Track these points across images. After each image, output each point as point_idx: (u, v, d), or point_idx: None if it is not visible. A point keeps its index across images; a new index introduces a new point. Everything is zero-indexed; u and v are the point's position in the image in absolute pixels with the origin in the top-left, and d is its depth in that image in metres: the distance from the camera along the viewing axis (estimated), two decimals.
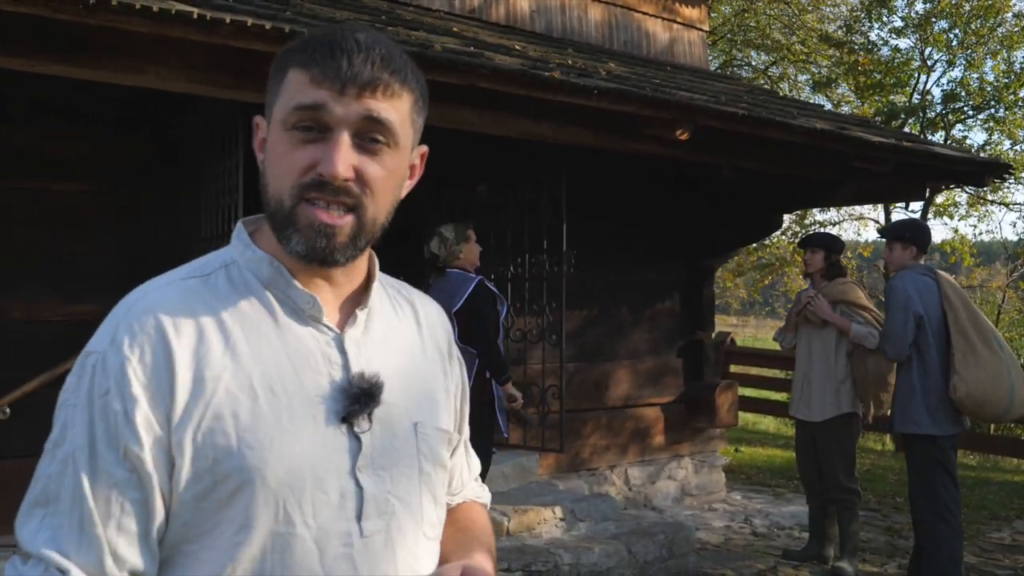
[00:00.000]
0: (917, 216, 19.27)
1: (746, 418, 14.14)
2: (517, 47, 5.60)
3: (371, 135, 1.21)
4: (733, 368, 12.63)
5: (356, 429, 1.23)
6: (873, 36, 19.45)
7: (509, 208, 6.44)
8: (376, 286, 1.35)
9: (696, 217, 7.94)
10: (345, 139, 1.19)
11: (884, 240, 5.71)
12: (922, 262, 5.56)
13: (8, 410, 4.70)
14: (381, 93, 1.21)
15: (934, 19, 17.52)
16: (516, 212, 6.41)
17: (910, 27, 18.05)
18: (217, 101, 4.72)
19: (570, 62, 5.55)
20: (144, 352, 1.16)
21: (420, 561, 1.28)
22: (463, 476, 1.55)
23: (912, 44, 18.55)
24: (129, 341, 1.17)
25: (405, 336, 1.37)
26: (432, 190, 6.76)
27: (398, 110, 1.23)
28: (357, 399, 1.22)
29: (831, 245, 6.16)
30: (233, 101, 4.54)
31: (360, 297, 1.32)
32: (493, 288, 5.30)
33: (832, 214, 20.98)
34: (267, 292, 1.26)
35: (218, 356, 1.19)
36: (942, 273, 5.56)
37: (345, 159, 1.19)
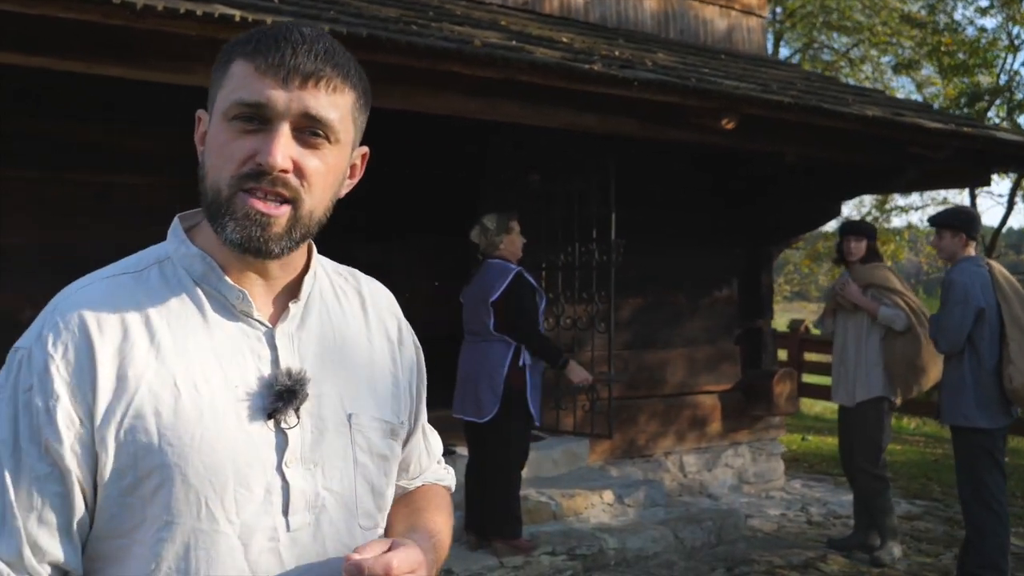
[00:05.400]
0: (1004, 200, 18.78)
1: (826, 407, 13.94)
2: (564, 39, 5.68)
3: (311, 129, 1.22)
4: (808, 356, 12.46)
5: (283, 425, 1.24)
6: (957, 16, 18.89)
7: (559, 197, 6.52)
8: (312, 277, 1.35)
9: (754, 204, 7.92)
10: (285, 131, 1.20)
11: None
12: (972, 250, 5.49)
13: None
14: (323, 86, 1.22)
15: None
16: (566, 201, 6.49)
17: (996, 5, 17.53)
18: None
19: (616, 53, 5.60)
20: (67, 350, 1.19)
21: (351, 551, 1.27)
22: (421, 461, 1.57)
23: (998, 23, 18.06)
24: (53, 339, 1.19)
25: (348, 325, 1.38)
26: (486, 180, 6.90)
27: (339, 106, 1.24)
28: (281, 396, 1.24)
29: (872, 233, 6.23)
30: None
31: (296, 289, 1.33)
32: (532, 281, 5.38)
33: (914, 198, 20.58)
34: (198, 288, 1.27)
35: (142, 354, 1.21)
36: (994, 263, 5.51)
37: (284, 151, 1.20)
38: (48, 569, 1.19)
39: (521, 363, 5.21)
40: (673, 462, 7.56)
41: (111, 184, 5.27)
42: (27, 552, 1.16)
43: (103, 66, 4.09)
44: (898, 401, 6.02)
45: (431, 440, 1.60)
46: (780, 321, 14.74)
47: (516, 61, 4.60)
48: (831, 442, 11.01)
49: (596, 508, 6.09)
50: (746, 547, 6.22)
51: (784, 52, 21.17)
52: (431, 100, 4.81)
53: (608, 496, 6.17)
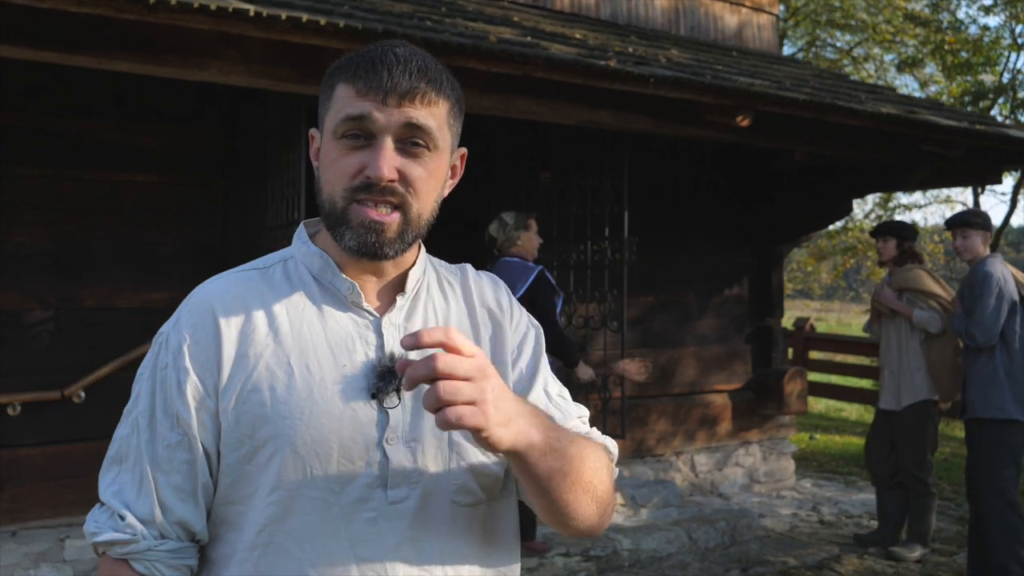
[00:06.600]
0: (1007, 198, 18.74)
1: (829, 405, 13.89)
2: (577, 35, 5.62)
3: (412, 139, 1.35)
4: (813, 354, 12.40)
5: (386, 404, 1.36)
6: (961, 14, 18.87)
7: (572, 195, 6.47)
8: (418, 272, 1.47)
9: (765, 202, 7.87)
10: (388, 144, 1.34)
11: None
12: (988, 248, 5.53)
13: (83, 394, 4.92)
14: (419, 101, 1.35)
15: None
16: (579, 199, 6.43)
17: (1000, 4, 17.48)
18: (281, 94, 4.86)
19: (630, 50, 5.55)
20: (197, 331, 1.37)
21: (449, 526, 1.38)
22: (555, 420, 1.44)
23: (1001, 21, 18.01)
24: (187, 323, 1.38)
25: (451, 315, 1.49)
26: (498, 177, 6.84)
27: (435, 116, 1.37)
28: (383, 376, 1.35)
29: (903, 233, 6.16)
30: (296, 94, 4.68)
31: (404, 284, 1.46)
32: (552, 279, 5.34)
33: (917, 196, 20.52)
34: (315, 282, 1.43)
35: (262, 336, 1.37)
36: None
37: (389, 162, 1.33)
38: (177, 529, 1.36)
39: None
40: (684, 462, 7.51)
41: (120, 182, 5.20)
42: (158, 512, 1.35)
43: (114, 62, 4.03)
44: (944, 405, 6.03)
45: (562, 406, 1.52)
46: (784, 319, 14.69)
47: (533, 57, 4.54)
48: (839, 441, 10.98)
49: None
50: (760, 547, 6.16)
51: (787, 50, 21.12)
52: None
53: (621, 497, 6.11)
